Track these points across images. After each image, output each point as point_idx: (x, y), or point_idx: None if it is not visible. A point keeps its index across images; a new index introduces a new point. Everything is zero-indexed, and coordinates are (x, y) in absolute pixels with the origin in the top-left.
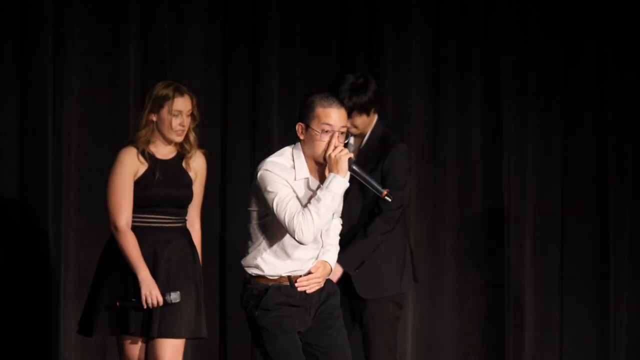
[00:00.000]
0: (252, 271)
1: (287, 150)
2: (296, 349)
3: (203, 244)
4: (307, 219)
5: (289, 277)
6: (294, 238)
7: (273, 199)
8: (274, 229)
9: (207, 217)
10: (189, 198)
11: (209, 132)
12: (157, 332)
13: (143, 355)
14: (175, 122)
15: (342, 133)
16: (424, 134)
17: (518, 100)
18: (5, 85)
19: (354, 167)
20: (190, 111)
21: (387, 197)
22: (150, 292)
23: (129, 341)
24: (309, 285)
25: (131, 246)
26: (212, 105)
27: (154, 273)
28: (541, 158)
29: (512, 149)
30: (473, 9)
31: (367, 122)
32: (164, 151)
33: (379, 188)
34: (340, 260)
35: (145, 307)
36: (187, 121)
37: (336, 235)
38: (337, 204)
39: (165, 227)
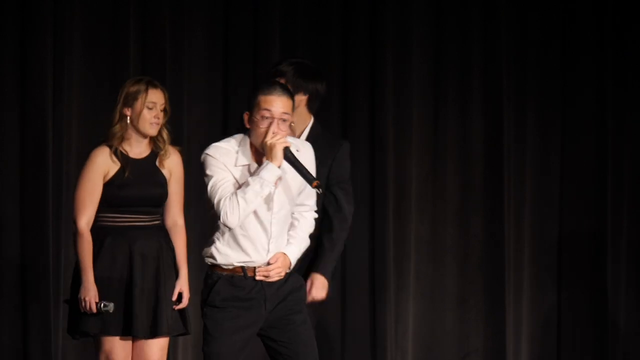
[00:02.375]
0: (209, 260)
1: (236, 136)
2: (230, 354)
3: (199, 242)
4: (234, 203)
5: (242, 267)
6: (221, 221)
7: (209, 183)
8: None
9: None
10: (163, 197)
11: (210, 132)
12: (139, 332)
13: (128, 356)
14: (150, 114)
15: (283, 120)
16: (424, 134)
17: (518, 100)
18: (5, 85)
19: (289, 155)
20: (164, 105)
21: (316, 189)
22: (85, 297)
23: (112, 342)
24: (270, 276)
25: (84, 247)
26: (213, 105)
27: (130, 270)
28: (541, 158)
29: (512, 149)
30: (473, 9)
31: (299, 119)
32: (137, 150)
33: (311, 178)
34: (327, 272)
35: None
36: (161, 115)
37: (305, 229)
38: (267, 191)
39: (139, 225)
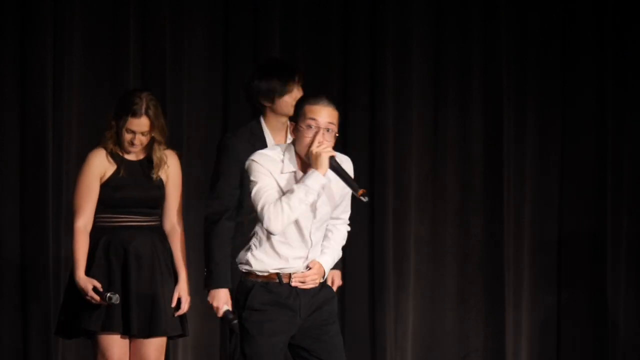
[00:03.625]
0: (244, 267)
1: (282, 145)
2: (271, 355)
3: (198, 243)
4: (277, 209)
5: (277, 274)
6: (264, 227)
7: (253, 188)
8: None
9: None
10: (159, 198)
11: (209, 132)
12: (137, 331)
13: (125, 355)
14: (127, 138)
15: (328, 130)
16: (424, 134)
17: (518, 100)
18: (5, 85)
19: (334, 164)
20: (147, 132)
21: (362, 197)
22: (83, 290)
23: (109, 340)
24: (305, 282)
25: (79, 246)
26: (213, 106)
27: (124, 270)
28: (541, 158)
29: (511, 149)
30: (473, 9)
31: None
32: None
33: (356, 187)
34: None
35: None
36: (142, 139)
37: (338, 240)
38: (312, 199)
39: (135, 226)
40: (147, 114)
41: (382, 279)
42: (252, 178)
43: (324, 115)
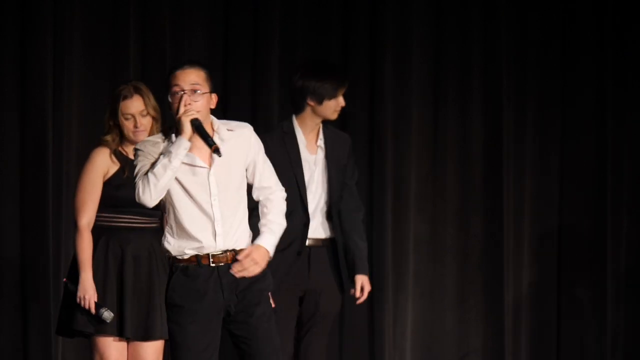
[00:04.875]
0: (167, 255)
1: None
2: (197, 355)
3: None
4: (145, 180)
5: (195, 255)
6: (137, 201)
7: (132, 172)
8: (169, 206)
9: None
10: (160, 200)
11: None
12: (131, 333)
13: (122, 357)
14: (130, 124)
15: (194, 92)
16: (424, 134)
17: (518, 100)
18: (5, 85)
19: (195, 124)
20: (145, 111)
21: (215, 153)
22: (84, 296)
23: (106, 342)
24: (245, 269)
25: (84, 246)
26: None
27: (121, 271)
28: (541, 158)
29: (511, 149)
30: (473, 9)
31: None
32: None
33: (210, 142)
34: (366, 270)
35: (77, 302)
36: (143, 121)
37: (276, 212)
38: (176, 164)
39: (134, 227)
40: (137, 92)
41: (381, 279)
42: (134, 163)
43: (186, 78)
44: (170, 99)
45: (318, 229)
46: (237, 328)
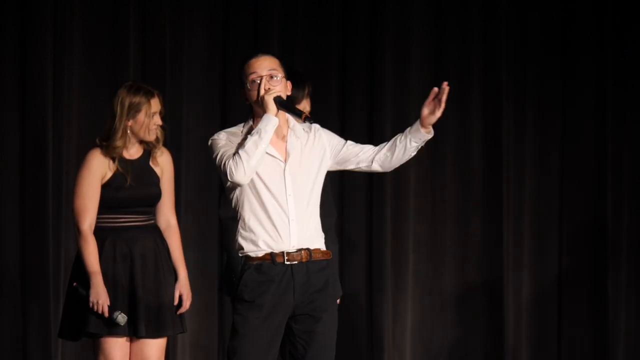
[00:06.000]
0: (241, 252)
1: (242, 123)
2: (257, 351)
3: (202, 242)
4: (236, 158)
5: (270, 253)
6: (229, 181)
7: (216, 159)
8: (243, 201)
9: (207, 217)
10: (157, 196)
11: (208, 132)
12: (145, 333)
13: (126, 357)
14: (152, 123)
15: (271, 77)
16: None
17: (518, 100)
18: (5, 85)
19: (279, 101)
20: (162, 112)
21: (307, 121)
22: (97, 301)
23: (112, 342)
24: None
25: (90, 250)
26: (212, 106)
27: (130, 271)
28: (541, 158)
29: (511, 149)
30: (473, 9)
31: None
32: (131, 151)
33: (298, 113)
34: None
35: (90, 306)
36: (159, 119)
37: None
38: (266, 139)
39: (136, 225)
40: (155, 90)
41: (380, 279)
42: (214, 153)
43: (262, 65)
44: (248, 87)
45: None
46: (300, 329)
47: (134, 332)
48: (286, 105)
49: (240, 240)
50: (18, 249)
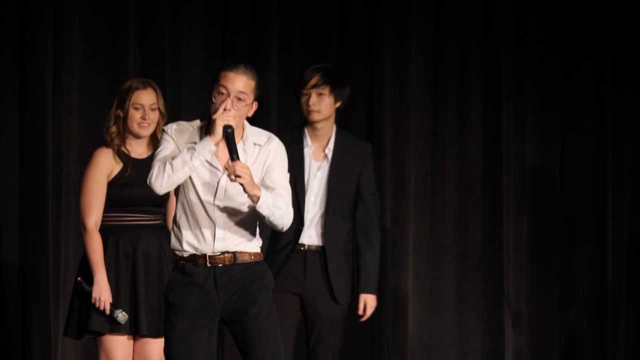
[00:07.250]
0: (172, 248)
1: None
2: (187, 355)
3: None
4: (161, 167)
5: (193, 254)
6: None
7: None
8: (180, 200)
9: None
10: (164, 196)
11: None
12: (146, 331)
13: (128, 356)
14: (137, 114)
15: (239, 100)
16: (423, 134)
17: (517, 100)
18: (5, 85)
19: (227, 132)
20: (155, 105)
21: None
22: (100, 297)
23: (114, 341)
24: (236, 171)
25: (95, 247)
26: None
27: (133, 270)
28: (541, 158)
29: (511, 149)
30: (472, 10)
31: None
32: (138, 150)
33: (235, 157)
34: (375, 287)
35: (92, 302)
36: (151, 115)
37: (280, 202)
38: (196, 163)
39: (141, 224)
40: (150, 86)
41: (380, 279)
42: (159, 143)
43: (236, 83)
44: (213, 95)
45: (315, 235)
46: (234, 329)
47: (135, 331)
48: (229, 139)
49: (172, 237)
50: (18, 249)
